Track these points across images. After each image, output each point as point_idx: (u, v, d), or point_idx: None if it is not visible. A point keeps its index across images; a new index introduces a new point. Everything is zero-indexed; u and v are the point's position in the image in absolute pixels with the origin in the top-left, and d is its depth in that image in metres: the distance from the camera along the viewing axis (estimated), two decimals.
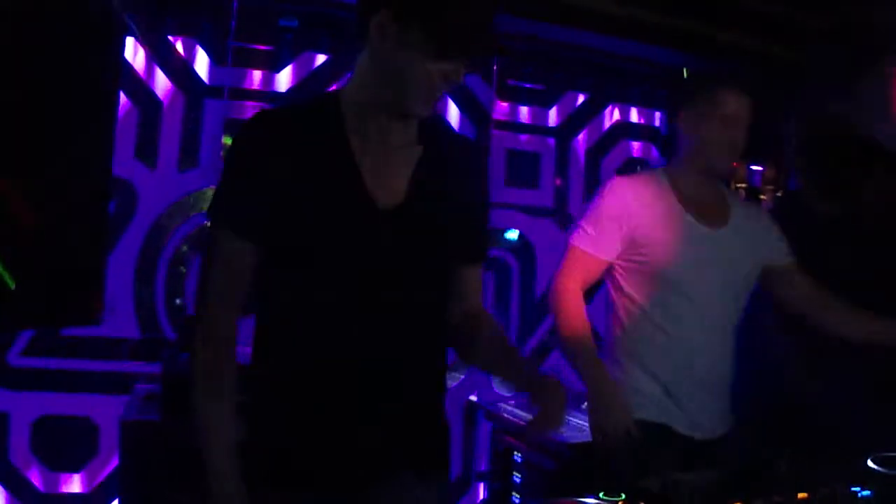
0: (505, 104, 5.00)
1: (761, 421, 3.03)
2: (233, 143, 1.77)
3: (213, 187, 4.20)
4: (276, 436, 1.80)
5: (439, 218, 1.84)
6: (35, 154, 2.88)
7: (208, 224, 1.78)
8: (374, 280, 1.74)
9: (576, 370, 2.67)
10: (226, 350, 1.80)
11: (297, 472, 1.78)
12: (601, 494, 1.70)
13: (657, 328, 2.69)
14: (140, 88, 4.14)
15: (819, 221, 3.21)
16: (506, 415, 4.16)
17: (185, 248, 4.23)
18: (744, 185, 5.84)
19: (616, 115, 5.45)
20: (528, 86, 5.08)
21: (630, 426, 2.50)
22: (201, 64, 4.27)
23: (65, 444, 3.98)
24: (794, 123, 3.71)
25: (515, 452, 4.04)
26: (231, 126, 4.35)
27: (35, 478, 3.94)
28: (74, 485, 4.02)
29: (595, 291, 2.94)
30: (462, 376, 4.70)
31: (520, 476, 4.00)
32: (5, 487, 3.89)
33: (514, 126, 5.07)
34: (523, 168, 5.08)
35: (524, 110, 5.10)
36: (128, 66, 4.06)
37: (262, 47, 4.40)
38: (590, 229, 2.72)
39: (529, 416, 1.78)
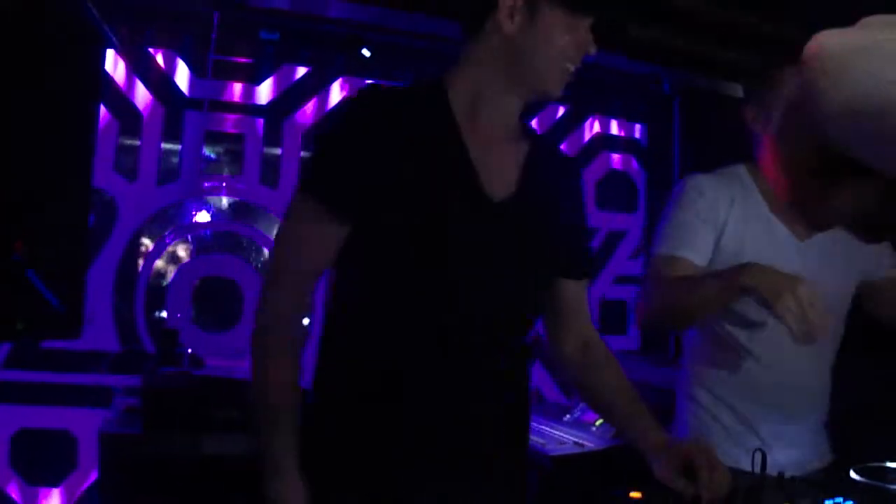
0: None
1: None
2: (343, 114, 1.72)
3: (191, 200, 4.25)
4: (346, 441, 1.70)
5: (548, 218, 1.81)
6: (14, 166, 2.86)
7: (298, 193, 1.68)
8: (479, 270, 1.68)
9: None
10: (294, 325, 1.72)
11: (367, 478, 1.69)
12: None
13: (744, 353, 2.28)
14: (120, 100, 4.14)
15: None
16: None
17: (165, 260, 4.22)
18: None
19: (596, 127, 5.48)
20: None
21: None
22: (182, 76, 4.28)
23: (44, 458, 3.95)
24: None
25: None
26: (211, 138, 4.35)
27: (14, 492, 3.92)
28: (53, 499, 3.99)
29: None
30: None
31: None
32: None
33: None
34: None
35: None
36: (108, 78, 4.06)
37: (243, 60, 4.40)
38: (680, 233, 2.28)
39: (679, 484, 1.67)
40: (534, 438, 3.50)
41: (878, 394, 3.11)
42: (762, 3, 4.48)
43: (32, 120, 2.94)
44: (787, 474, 1.93)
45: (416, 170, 1.64)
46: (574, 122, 5.36)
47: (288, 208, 1.70)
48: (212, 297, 4.39)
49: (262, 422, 1.70)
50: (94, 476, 3.90)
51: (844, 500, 1.68)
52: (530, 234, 1.76)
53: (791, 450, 2.20)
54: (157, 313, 4.21)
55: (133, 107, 4.18)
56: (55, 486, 4.00)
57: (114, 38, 3.99)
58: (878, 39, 1.73)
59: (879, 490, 1.77)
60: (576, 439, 3.73)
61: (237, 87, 4.41)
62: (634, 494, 1.70)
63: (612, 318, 5.53)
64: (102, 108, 3.97)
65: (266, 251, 4.49)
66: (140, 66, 4.19)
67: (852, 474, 1.83)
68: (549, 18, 1.66)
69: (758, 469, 1.68)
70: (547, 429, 3.87)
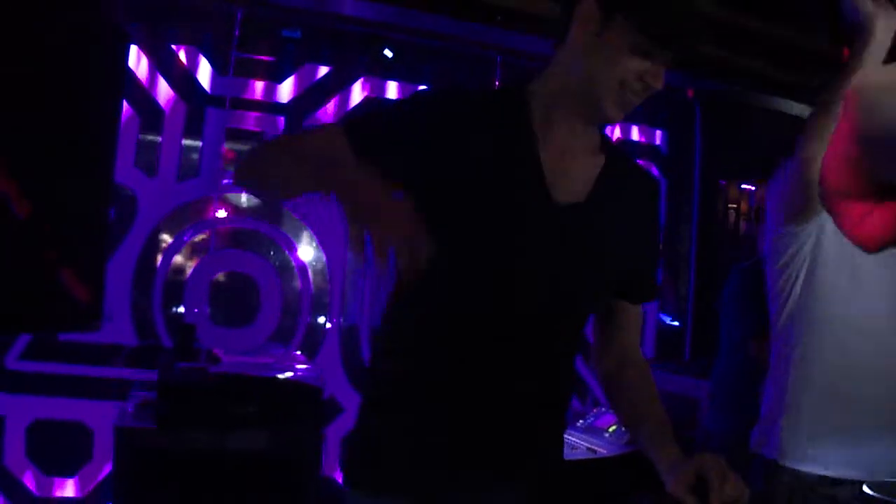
0: None
1: None
2: (416, 93, 1.71)
3: (211, 196, 4.27)
4: (395, 427, 1.71)
5: (615, 233, 1.76)
6: (37, 160, 2.89)
7: (335, 125, 1.65)
8: (531, 266, 1.66)
9: None
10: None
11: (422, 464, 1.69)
12: None
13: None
14: (142, 97, 4.17)
15: None
16: None
17: (183, 256, 4.25)
18: (734, 206, 5.88)
19: (617, 133, 5.48)
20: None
21: None
22: (204, 73, 4.30)
23: (59, 449, 3.98)
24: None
25: None
26: (232, 135, 4.37)
27: (29, 481, 3.95)
28: (68, 489, 4.02)
29: None
30: None
31: None
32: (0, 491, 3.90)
33: None
34: None
35: None
36: (131, 74, 4.08)
37: (265, 58, 4.42)
38: None
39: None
40: None
41: None
42: (785, 12, 4.47)
43: (55, 115, 2.97)
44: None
45: (477, 161, 1.63)
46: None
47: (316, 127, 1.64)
48: (229, 293, 4.41)
49: (284, 163, 1.57)
50: (108, 468, 3.92)
51: None
52: (592, 244, 1.73)
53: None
54: (174, 309, 4.24)
55: (155, 103, 4.20)
56: (70, 476, 4.03)
57: (137, 35, 4.03)
58: None
59: None
60: (589, 445, 3.73)
61: (259, 85, 4.43)
62: None
63: None
64: (125, 104, 3.99)
65: (284, 249, 4.51)
66: (162, 63, 4.22)
67: (866, 489, 1.82)
68: (618, 37, 1.59)
69: None
70: None
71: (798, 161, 2.13)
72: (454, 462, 1.68)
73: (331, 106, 4.57)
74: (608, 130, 5.21)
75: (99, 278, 3.44)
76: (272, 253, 4.50)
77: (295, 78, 4.49)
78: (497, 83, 4.79)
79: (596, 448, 3.70)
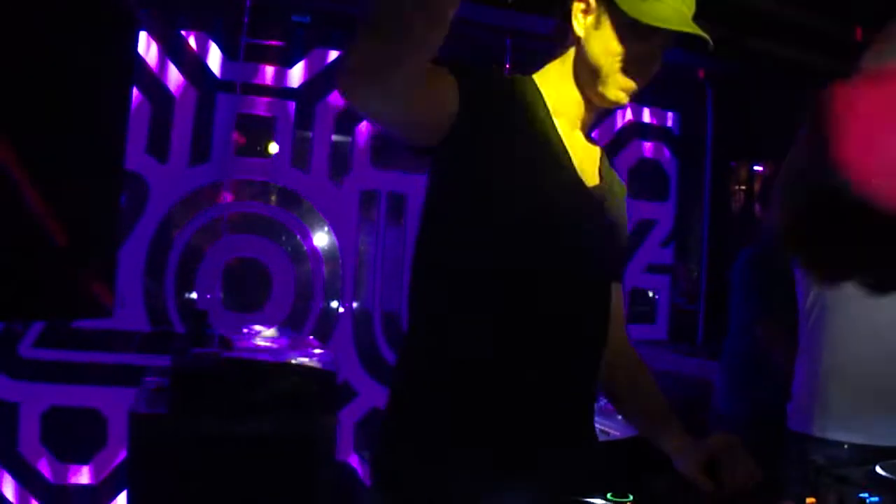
0: None
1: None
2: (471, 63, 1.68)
3: (222, 182, 4.27)
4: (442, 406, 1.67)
5: (619, 214, 1.86)
6: (49, 147, 2.89)
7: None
8: (571, 250, 1.69)
9: None
10: None
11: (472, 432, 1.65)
12: (609, 495, 1.68)
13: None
14: (153, 83, 4.16)
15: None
16: None
17: (195, 242, 4.25)
18: (743, 187, 5.85)
19: (628, 115, 5.45)
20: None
21: None
22: (214, 59, 4.29)
23: (74, 436, 4.00)
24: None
25: None
26: (242, 121, 4.37)
27: (44, 468, 3.97)
28: (83, 476, 4.04)
29: None
30: None
31: None
32: (14, 478, 3.92)
33: None
34: None
35: None
36: (141, 61, 4.08)
37: (275, 43, 4.41)
38: None
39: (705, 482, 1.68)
40: None
41: None
42: None
43: (66, 101, 2.97)
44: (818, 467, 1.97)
45: (523, 149, 1.66)
46: (606, 109, 5.33)
47: None
48: (242, 278, 4.42)
49: None
50: (122, 455, 3.94)
51: (870, 496, 1.67)
52: (614, 223, 1.81)
53: None
54: (187, 294, 4.24)
55: (165, 89, 4.20)
56: (85, 463, 4.04)
57: (146, 21, 4.02)
58: None
59: None
60: (602, 427, 3.72)
61: (269, 70, 4.42)
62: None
63: (641, 306, 5.51)
64: (135, 91, 3.99)
65: (296, 234, 4.51)
66: (172, 49, 4.21)
67: (878, 469, 1.81)
68: (620, 20, 1.64)
69: None
70: None
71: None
72: (516, 437, 1.66)
73: None
74: (620, 112, 5.24)
75: (111, 265, 3.45)
76: (284, 238, 4.50)
77: (305, 62, 4.48)
78: (508, 66, 4.77)
79: (609, 430, 3.69)
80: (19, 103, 2.74)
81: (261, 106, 4.44)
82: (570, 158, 1.72)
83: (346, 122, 4.56)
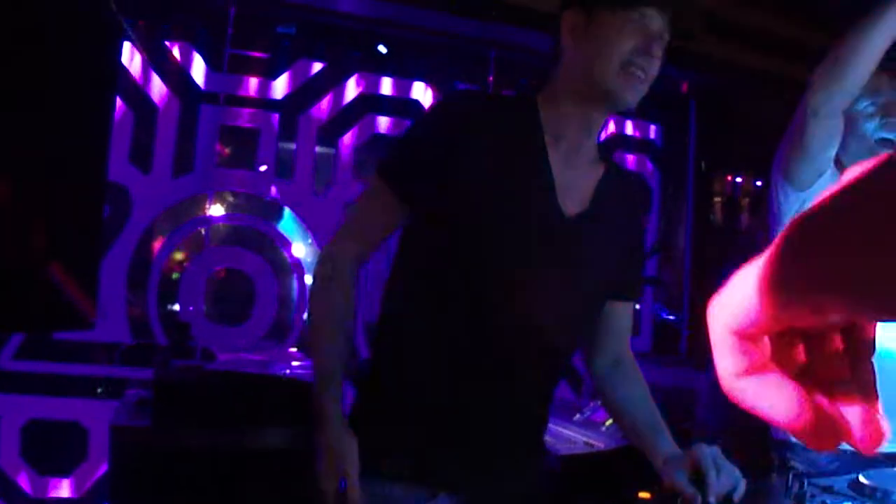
0: None
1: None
2: (430, 108, 1.81)
3: (206, 193, 4.26)
4: (394, 423, 1.77)
5: (612, 239, 1.86)
6: (30, 157, 2.87)
7: (374, 174, 1.79)
8: (540, 278, 1.73)
9: None
10: (347, 279, 1.80)
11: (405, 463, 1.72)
12: None
13: None
14: (136, 93, 4.15)
15: None
16: None
17: (178, 253, 4.23)
18: (720, 199, 5.88)
19: (611, 127, 5.46)
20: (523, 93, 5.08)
21: None
22: (198, 70, 4.28)
23: (54, 449, 3.96)
24: None
25: None
26: (226, 132, 4.36)
27: (24, 482, 3.93)
28: (63, 489, 4.00)
29: None
30: None
31: None
32: None
33: None
34: None
35: None
36: (124, 71, 4.06)
37: (259, 54, 4.41)
38: None
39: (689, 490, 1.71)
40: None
41: None
42: (779, 6, 4.47)
43: (48, 111, 2.95)
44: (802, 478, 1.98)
45: (496, 172, 1.69)
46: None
47: (365, 185, 1.80)
48: (224, 290, 4.40)
49: (316, 366, 1.80)
50: (104, 468, 3.91)
51: (855, 503, 1.68)
52: (595, 255, 1.81)
53: None
54: (169, 306, 4.22)
55: (149, 100, 4.19)
56: (65, 476, 4.01)
57: (130, 31, 4.00)
58: None
59: (890, 494, 1.76)
60: (586, 439, 3.71)
61: (253, 82, 4.41)
62: (643, 495, 1.71)
63: None
64: (118, 101, 3.98)
65: (279, 246, 4.49)
66: (156, 59, 4.20)
67: (861, 478, 1.82)
68: (606, 22, 1.68)
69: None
70: (557, 428, 3.85)
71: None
72: (464, 453, 1.72)
73: (325, 102, 4.55)
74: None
75: (93, 276, 3.41)
76: (267, 249, 4.49)
77: (289, 74, 4.48)
78: (491, 78, 4.78)
79: (593, 442, 3.68)
80: None
81: (244, 117, 4.43)
82: (549, 187, 1.73)
83: (329, 133, 4.56)
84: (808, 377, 0.47)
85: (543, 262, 1.72)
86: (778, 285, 0.42)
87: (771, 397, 0.45)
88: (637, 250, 1.99)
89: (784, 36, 4.68)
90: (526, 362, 1.75)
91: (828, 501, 1.65)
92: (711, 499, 1.62)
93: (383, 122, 4.70)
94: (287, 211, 4.50)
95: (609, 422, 3.79)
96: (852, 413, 0.45)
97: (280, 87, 4.46)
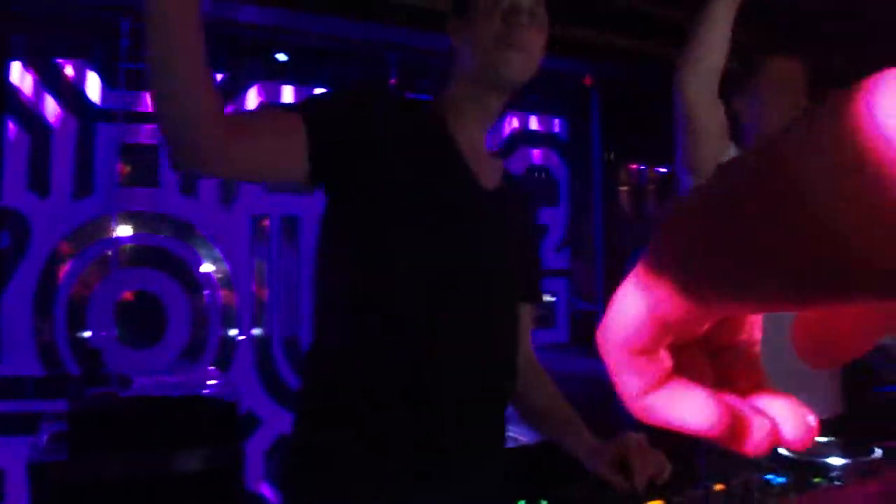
0: None
1: None
2: (343, 88, 1.77)
3: (108, 215, 4.14)
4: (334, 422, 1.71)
5: (520, 227, 1.93)
6: None
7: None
8: (476, 252, 1.75)
9: None
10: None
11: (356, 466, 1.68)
12: (521, 502, 1.71)
13: None
14: (29, 114, 4.00)
15: None
16: None
17: (85, 278, 4.11)
18: (626, 188, 5.97)
19: (515, 123, 5.49)
20: (424, 98, 5.08)
21: None
22: (93, 87, 4.16)
23: None
24: None
25: None
26: (126, 150, 4.24)
27: None
28: None
29: None
30: None
31: None
32: None
33: None
34: None
35: None
36: (15, 91, 3.92)
37: None
38: None
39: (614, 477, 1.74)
40: None
41: None
42: None
43: None
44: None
45: (409, 157, 1.71)
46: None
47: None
48: (135, 313, 4.28)
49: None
50: None
51: (776, 477, 1.73)
52: (512, 227, 1.88)
53: None
54: (79, 333, 4.09)
55: (43, 120, 4.05)
56: None
57: (20, 50, 3.87)
58: None
59: (809, 464, 1.81)
60: (511, 433, 3.72)
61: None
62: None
63: (540, 311, 5.56)
64: (10, 123, 3.85)
65: (189, 263, 4.40)
66: (48, 78, 4.06)
67: (781, 450, 1.86)
68: (476, 10, 1.76)
69: None
70: None
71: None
72: (417, 457, 1.68)
73: None
74: (507, 119, 5.27)
75: None
76: (176, 268, 4.38)
77: None
78: (393, 81, 4.76)
79: (518, 436, 3.71)
80: None
81: (144, 133, 4.31)
82: (464, 165, 1.78)
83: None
84: (717, 384, 0.45)
85: (475, 232, 1.75)
86: (657, 285, 0.40)
87: (682, 408, 0.42)
88: (535, 251, 2.08)
89: (681, 22, 4.76)
90: (482, 345, 1.76)
91: (753, 476, 1.68)
92: (638, 485, 1.67)
93: None
94: (194, 227, 4.40)
95: None
96: (775, 410, 0.43)
97: None
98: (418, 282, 1.66)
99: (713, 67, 2.25)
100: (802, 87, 2.52)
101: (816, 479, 1.75)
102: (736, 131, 2.51)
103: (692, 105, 2.30)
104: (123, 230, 4.29)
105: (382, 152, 1.67)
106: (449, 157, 1.77)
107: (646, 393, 0.43)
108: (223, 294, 4.45)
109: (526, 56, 1.75)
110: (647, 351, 0.42)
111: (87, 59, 4.14)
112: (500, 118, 1.95)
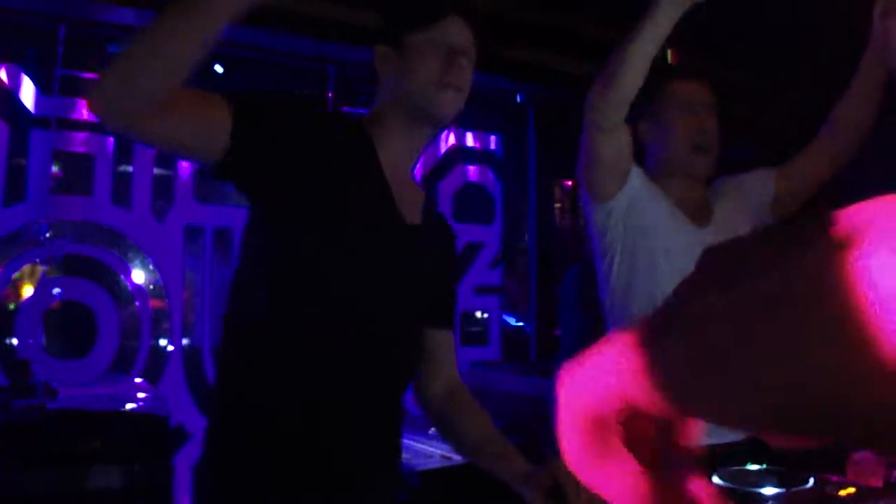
0: None
1: None
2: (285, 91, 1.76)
3: (40, 222, 4.07)
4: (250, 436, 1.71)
5: (437, 257, 1.95)
6: None
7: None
8: (385, 283, 1.76)
9: None
10: None
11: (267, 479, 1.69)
12: None
13: None
14: None
15: None
16: None
17: (13, 286, 4.05)
18: (560, 205, 6.04)
19: (451, 139, 5.52)
20: (362, 111, 5.09)
21: None
22: (27, 93, 4.09)
23: None
24: None
25: None
26: (59, 158, 4.19)
27: None
28: None
29: None
30: None
31: None
32: None
33: None
34: None
35: None
36: None
37: (92, 75, 4.25)
38: None
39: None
40: None
41: None
42: (605, 13, 4.63)
43: None
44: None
45: (335, 176, 1.71)
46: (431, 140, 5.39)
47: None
48: (64, 323, 4.22)
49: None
50: None
51: None
52: (428, 262, 1.89)
53: None
54: (7, 342, 4.02)
55: None
56: None
57: None
58: None
59: (745, 494, 1.83)
60: (442, 452, 3.74)
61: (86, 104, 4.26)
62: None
63: (473, 327, 5.59)
64: None
65: (119, 273, 4.35)
66: None
67: (715, 479, 1.89)
68: (411, 46, 1.77)
69: None
70: (412, 443, 3.86)
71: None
72: (317, 476, 1.71)
73: None
74: (444, 136, 5.30)
75: None
76: (107, 278, 4.33)
77: None
78: (330, 94, 4.76)
79: (450, 455, 3.72)
80: None
81: (78, 141, 4.26)
82: (388, 195, 1.78)
83: (167, 155, 4.43)
84: (657, 458, 0.47)
85: (389, 263, 1.77)
86: (639, 381, 0.42)
87: (616, 486, 0.46)
88: (452, 279, 2.12)
89: (610, 41, 4.85)
90: (382, 371, 1.78)
91: None
92: None
93: None
94: (126, 237, 4.36)
95: None
96: (699, 491, 0.46)
97: None
98: (324, 299, 1.69)
99: (627, 100, 2.28)
100: (709, 108, 2.55)
101: None
102: (639, 152, 2.57)
103: (605, 136, 2.33)
104: (54, 239, 4.23)
105: (304, 157, 1.67)
106: (373, 181, 1.78)
107: (591, 460, 0.46)
108: (154, 305, 4.41)
109: (462, 95, 1.81)
110: (606, 423, 0.45)
111: (21, 64, 4.08)
112: (428, 146, 1.96)
